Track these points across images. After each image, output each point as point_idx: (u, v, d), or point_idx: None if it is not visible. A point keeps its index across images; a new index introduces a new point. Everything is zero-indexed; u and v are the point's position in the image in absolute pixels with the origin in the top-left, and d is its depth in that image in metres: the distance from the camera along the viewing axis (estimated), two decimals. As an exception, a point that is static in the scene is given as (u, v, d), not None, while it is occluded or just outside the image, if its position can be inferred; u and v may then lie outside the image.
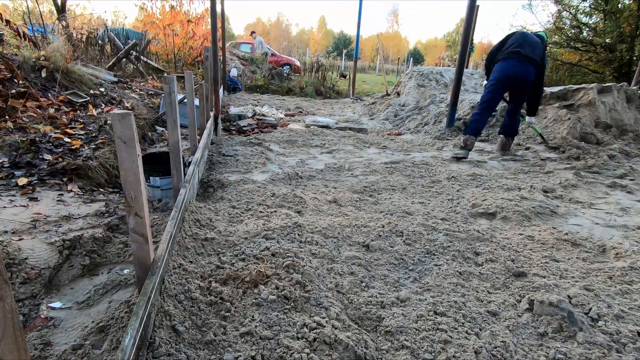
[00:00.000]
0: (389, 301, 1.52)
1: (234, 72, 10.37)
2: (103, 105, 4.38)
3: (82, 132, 3.38)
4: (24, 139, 2.89)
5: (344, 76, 15.59)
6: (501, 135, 4.58)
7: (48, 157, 2.78)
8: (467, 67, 10.05)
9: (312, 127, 5.85)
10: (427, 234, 2.16)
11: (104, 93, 4.74)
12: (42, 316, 1.41)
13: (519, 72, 4.05)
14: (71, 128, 3.38)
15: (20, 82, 3.70)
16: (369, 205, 2.71)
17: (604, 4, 12.64)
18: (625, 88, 5.59)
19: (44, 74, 4.13)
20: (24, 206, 2.16)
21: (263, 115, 6.56)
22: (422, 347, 1.29)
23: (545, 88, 5.90)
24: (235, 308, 1.43)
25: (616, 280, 1.80)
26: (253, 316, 1.38)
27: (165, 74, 3.99)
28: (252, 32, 14.21)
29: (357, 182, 3.22)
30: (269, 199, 2.63)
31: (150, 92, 6.04)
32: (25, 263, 1.59)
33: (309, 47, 40.50)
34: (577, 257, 2.05)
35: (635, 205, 2.91)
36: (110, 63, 6.98)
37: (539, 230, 2.36)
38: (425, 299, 1.56)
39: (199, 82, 4.45)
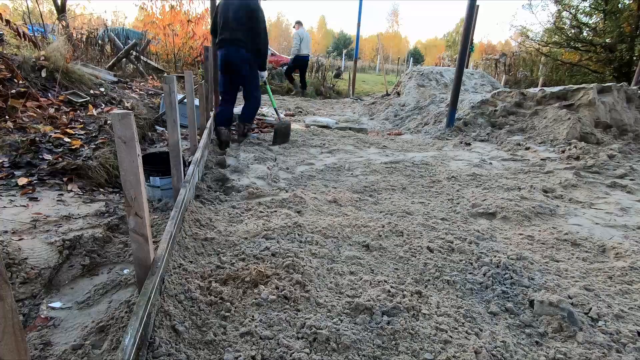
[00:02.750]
0: (389, 301, 1.52)
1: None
2: (103, 105, 4.38)
3: (82, 132, 3.38)
4: (24, 139, 2.89)
5: (338, 76, 15.23)
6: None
7: (48, 157, 2.78)
8: (467, 67, 10.06)
9: (312, 127, 5.85)
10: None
11: (104, 93, 4.74)
12: (42, 316, 1.41)
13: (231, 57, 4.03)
14: (71, 128, 3.38)
15: (20, 82, 3.70)
16: (369, 205, 2.71)
17: (604, 4, 12.64)
18: (625, 88, 5.59)
19: (44, 74, 4.12)
20: (24, 206, 2.16)
21: (263, 115, 6.55)
22: (423, 347, 1.29)
23: (545, 88, 5.91)
24: (235, 308, 1.43)
25: (616, 280, 1.80)
26: (253, 316, 1.38)
27: (165, 74, 3.98)
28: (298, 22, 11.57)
29: (357, 182, 3.22)
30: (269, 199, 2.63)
31: (150, 92, 6.04)
32: (25, 263, 1.59)
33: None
34: (577, 257, 2.05)
35: (635, 205, 2.91)
36: (110, 63, 6.97)
37: (539, 230, 2.36)
38: (425, 299, 1.56)
39: (199, 82, 4.45)
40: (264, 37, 4.12)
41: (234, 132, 4.59)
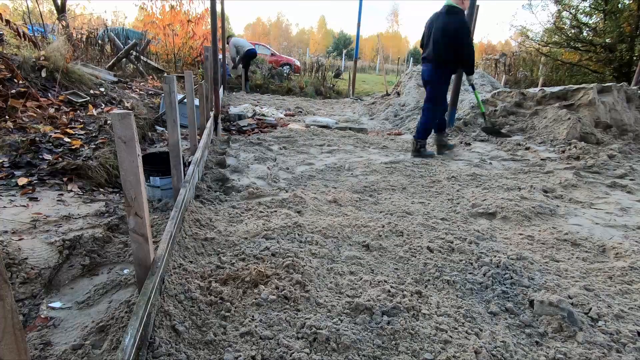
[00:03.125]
0: (389, 301, 1.52)
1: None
2: (103, 105, 4.38)
3: (82, 132, 3.38)
4: (24, 139, 2.89)
5: (338, 75, 15.08)
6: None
7: (48, 157, 2.78)
8: (467, 67, 10.02)
9: (312, 127, 5.85)
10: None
11: (104, 93, 4.74)
12: (42, 316, 1.41)
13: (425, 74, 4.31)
14: (71, 128, 3.38)
15: (20, 82, 3.70)
16: (369, 205, 2.71)
17: (604, 4, 12.63)
18: (625, 88, 5.59)
19: (44, 74, 4.12)
20: (24, 206, 2.16)
21: (263, 115, 6.56)
22: (423, 347, 1.29)
23: (545, 88, 5.90)
24: (235, 308, 1.43)
25: (616, 280, 1.80)
26: (253, 316, 1.38)
27: (165, 74, 3.98)
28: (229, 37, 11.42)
29: (357, 182, 3.22)
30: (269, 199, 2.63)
31: (150, 92, 6.04)
32: (25, 263, 1.59)
33: (309, 47, 40.49)
34: (577, 257, 2.05)
35: (635, 205, 2.91)
36: (110, 63, 6.97)
37: (539, 230, 2.36)
38: (425, 298, 1.56)
39: (198, 82, 4.45)
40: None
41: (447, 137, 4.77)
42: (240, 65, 10.24)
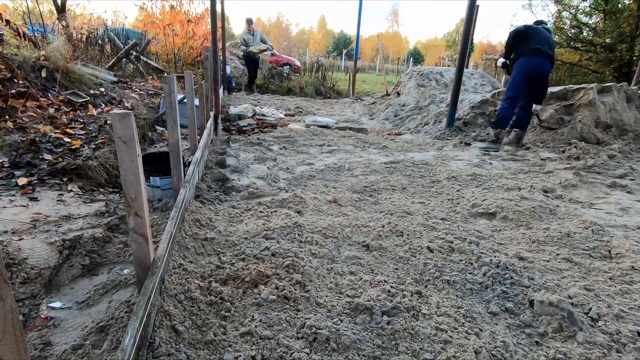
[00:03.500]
0: (389, 301, 1.52)
1: (227, 70, 10.21)
2: (103, 105, 4.38)
3: (82, 132, 3.38)
4: (24, 139, 2.89)
5: None
6: (516, 129, 4.82)
7: (48, 157, 2.78)
8: (467, 67, 10.04)
9: (312, 127, 5.85)
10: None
11: (104, 93, 4.74)
12: (42, 316, 1.41)
13: (544, 67, 4.55)
14: (71, 128, 3.38)
15: (20, 82, 3.70)
16: (369, 205, 2.71)
17: (604, 4, 12.64)
18: (625, 88, 5.59)
19: (44, 74, 4.12)
20: (24, 206, 2.16)
21: (263, 115, 6.55)
22: (423, 347, 1.29)
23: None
24: (235, 308, 1.43)
25: (616, 280, 1.80)
26: (253, 316, 1.38)
27: (165, 74, 3.99)
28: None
29: (357, 182, 3.22)
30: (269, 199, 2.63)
31: (150, 92, 6.04)
32: (25, 263, 1.59)
33: (309, 47, 40.47)
34: (577, 257, 2.05)
35: (635, 205, 2.91)
36: (110, 63, 6.97)
37: (539, 230, 2.36)
38: (424, 298, 1.56)
39: (199, 82, 4.45)
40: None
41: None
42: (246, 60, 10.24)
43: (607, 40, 12.53)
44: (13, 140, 2.85)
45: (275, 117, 6.54)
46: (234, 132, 5.37)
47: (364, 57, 45.96)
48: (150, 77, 7.30)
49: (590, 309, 1.53)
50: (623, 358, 1.30)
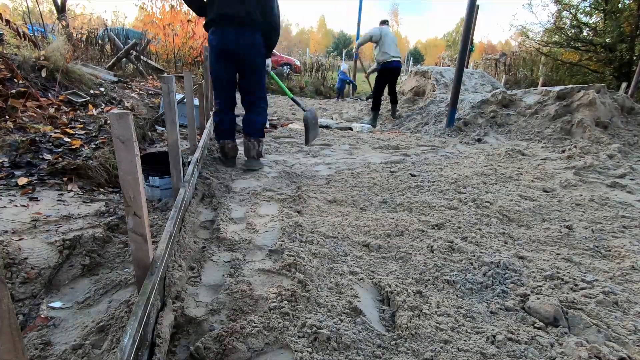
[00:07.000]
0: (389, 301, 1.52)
1: (344, 67, 8.98)
2: (103, 105, 4.38)
3: (82, 132, 3.38)
4: (24, 138, 2.89)
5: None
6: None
7: (48, 157, 2.78)
8: (467, 67, 10.04)
9: (312, 127, 5.84)
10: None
11: (104, 93, 4.74)
12: (42, 316, 1.41)
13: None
14: (71, 128, 3.38)
15: (20, 82, 3.70)
16: (369, 205, 2.70)
17: (604, 3, 12.63)
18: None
19: (44, 74, 4.12)
20: (24, 206, 2.16)
21: (263, 115, 6.54)
22: (423, 347, 1.29)
23: (545, 88, 5.90)
24: (235, 308, 1.43)
25: (616, 281, 1.80)
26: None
27: (165, 74, 3.98)
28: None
29: (357, 182, 3.22)
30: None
31: (150, 92, 6.04)
32: (25, 263, 1.59)
33: (309, 47, 40.44)
34: (577, 257, 2.04)
35: (635, 205, 2.90)
36: (110, 63, 6.97)
37: (539, 230, 2.36)
38: (423, 297, 1.56)
39: (199, 82, 4.44)
40: (277, 11, 3.09)
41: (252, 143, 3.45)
42: None
43: (607, 40, 12.52)
44: (13, 140, 2.85)
45: (276, 118, 6.54)
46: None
47: (364, 57, 45.88)
48: (151, 77, 7.30)
49: (591, 309, 1.53)
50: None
